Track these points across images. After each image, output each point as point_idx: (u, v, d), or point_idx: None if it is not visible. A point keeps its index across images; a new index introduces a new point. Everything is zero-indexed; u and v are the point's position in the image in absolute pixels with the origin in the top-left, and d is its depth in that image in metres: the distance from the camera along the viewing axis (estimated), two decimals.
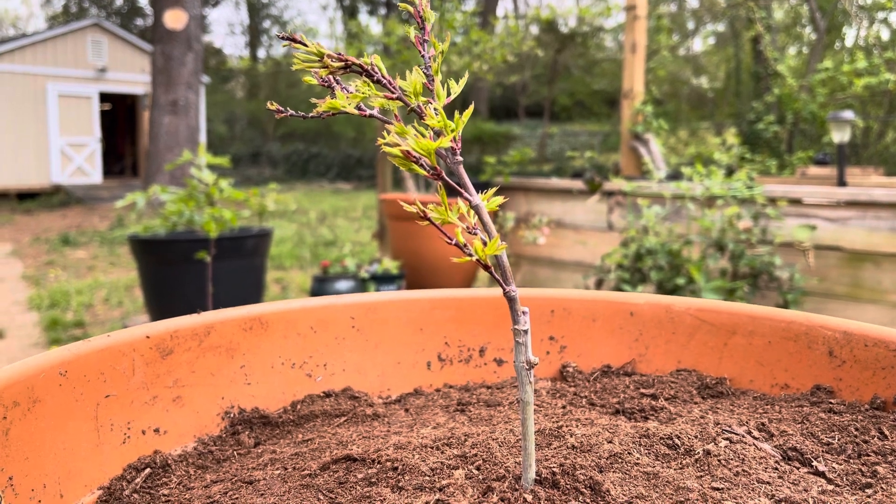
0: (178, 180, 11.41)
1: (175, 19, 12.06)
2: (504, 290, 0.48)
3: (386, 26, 5.37)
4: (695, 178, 3.73)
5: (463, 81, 0.49)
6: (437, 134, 0.48)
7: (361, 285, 4.34)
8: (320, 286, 4.32)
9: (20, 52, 17.09)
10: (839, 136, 4.54)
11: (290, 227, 10.41)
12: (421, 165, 0.47)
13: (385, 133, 0.47)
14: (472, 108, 0.48)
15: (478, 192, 0.49)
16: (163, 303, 3.73)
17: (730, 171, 4.25)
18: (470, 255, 0.46)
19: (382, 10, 29.30)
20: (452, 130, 0.47)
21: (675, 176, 4.52)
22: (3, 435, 0.51)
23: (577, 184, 4.52)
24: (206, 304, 3.28)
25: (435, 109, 0.47)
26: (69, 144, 17.70)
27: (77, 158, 17.78)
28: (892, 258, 3.28)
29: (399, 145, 0.46)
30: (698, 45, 21.01)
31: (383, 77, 0.48)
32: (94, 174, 18.13)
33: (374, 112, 0.50)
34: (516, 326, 0.49)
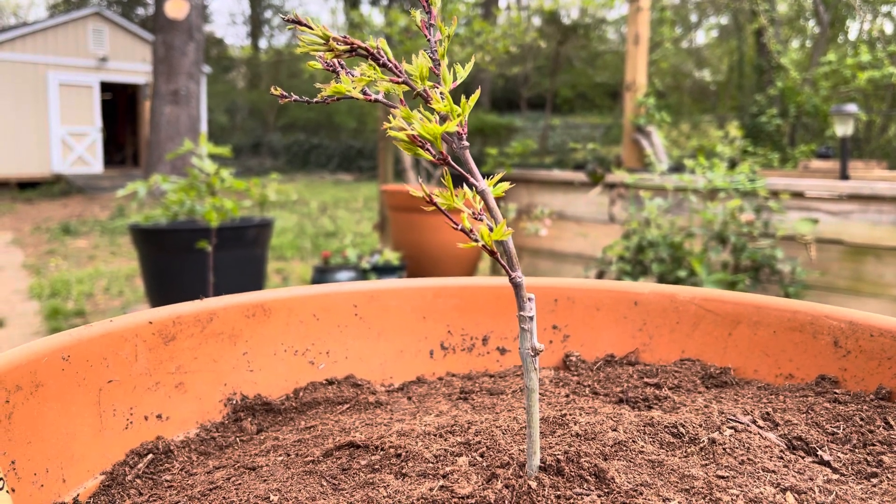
0: (179, 170, 11.40)
1: (176, 9, 12.02)
2: (510, 276, 0.48)
3: (388, 16, 5.34)
4: (697, 171, 3.72)
5: (469, 66, 0.49)
6: (443, 119, 0.47)
7: (362, 276, 4.34)
8: (321, 277, 4.32)
9: (21, 40, 17.04)
10: (842, 129, 4.53)
11: (291, 217, 10.40)
12: (427, 150, 0.46)
13: (391, 118, 0.47)
14: (478, 92, 0.47)
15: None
16: (164, 292, 3.73)
17: (732, 164, 4.23)
18: (476, 240, 0.46)
19: (384, 1, 29.18)
20: (459, 115, 0.46)
21: (677, 168, 4.51)
22: (6, 419, 0.50)
23: (579, 176, 4.51)
24: (206, 294, 3.28)
25: (441, 94, 0.47)
26: (70, 134, 17.67)
27: (78, 148, 17.75)
28: (894, 252, 3.27)
29: (405, 130, 0.46)
30: (701, 37, 20.95)
31: (389, 61, 0.48)
32: (94, 164, 18.10)
33: (380, 96, 0.50)
34: (522, 313, 0.49)
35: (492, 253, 0.47)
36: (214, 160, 3.69)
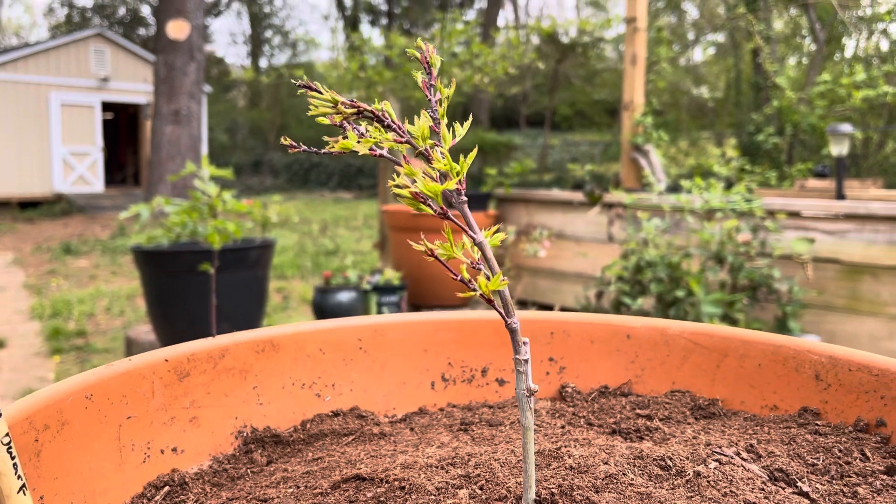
0: (180, 190, 11.47)
1: (177, 29, 12.14)
2: (506, 322, 0.52)
3: (388, 38, 5.42)
4: (694, 191, 3.76)
5: (467, 125, 0.52)
6: (443, 175, 0.51)
7: (363, 296, 4.37)
8: (322, 297, 4.35)
9: (23, 61, 17.19)
10: (837, 149, 4.58)
11: (292, 236, 10.45)
12: (428, 205, 0.50)
13: (395, 176, 0.51)
14: (474, 152, 0.51)
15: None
16: (165, 313, 3.76)
17: (729, 184, 4.28)
18: (474, 290, 0.49)
19: (384, 20, 29.44)
20: (458, 173, 0.50)
21: (674, 188, 4.56)
22: (35, 457, 0.54)
23: (578, 195, 4.56)
24: (209, 316, 3.31)
25: (441, 153, 0.51)
26: (71, 153, 17.79)
27: (79, 167, 17.86)
28: (890, 271, 3.31)
29: (409, 187, 0.50)
30: (698, 55, 21.12)
31: (393, 122, 0.52)
32: (95, 183, 18.20)
33: (384, 152, 0.54)
34: (517, 356, 0.52)
35: (489, 301, 0.50)
36: (216, 181, 3.73)
